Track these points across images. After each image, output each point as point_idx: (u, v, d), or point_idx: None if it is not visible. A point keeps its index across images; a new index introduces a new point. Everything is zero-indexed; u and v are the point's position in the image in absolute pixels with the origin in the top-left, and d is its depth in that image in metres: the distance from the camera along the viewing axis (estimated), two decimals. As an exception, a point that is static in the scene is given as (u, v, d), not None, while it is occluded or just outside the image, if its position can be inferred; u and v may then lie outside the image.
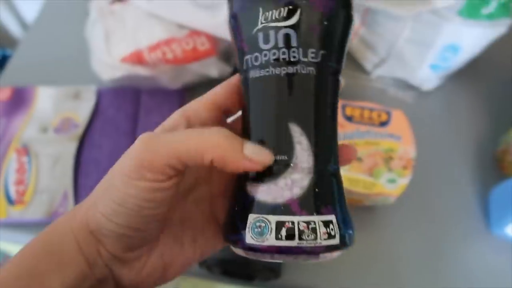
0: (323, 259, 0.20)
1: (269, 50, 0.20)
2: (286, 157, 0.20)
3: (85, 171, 0.46)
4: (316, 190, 0.20)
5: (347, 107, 0.43)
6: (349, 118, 0.43)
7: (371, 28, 0.53)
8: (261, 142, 0.20)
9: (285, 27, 0.19)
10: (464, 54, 0.49)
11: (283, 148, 0.20)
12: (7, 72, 0.56)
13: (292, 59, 0.20)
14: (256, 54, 0.20)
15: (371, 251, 0.43)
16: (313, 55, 0.20)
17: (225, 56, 0.51)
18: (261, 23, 0.20)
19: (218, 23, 0.47)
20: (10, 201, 0.43)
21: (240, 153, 0.19)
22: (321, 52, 0.20)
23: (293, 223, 0.19)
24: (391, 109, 0.44)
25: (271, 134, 0.20)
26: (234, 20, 0.21)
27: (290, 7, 0.19)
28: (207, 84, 0.51)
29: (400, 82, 0.55)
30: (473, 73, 0.55)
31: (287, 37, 0.20)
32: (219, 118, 0.23)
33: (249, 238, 0.19)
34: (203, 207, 0.24)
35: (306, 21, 0.19)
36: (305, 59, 0.20)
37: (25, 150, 0.46)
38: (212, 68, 0.50)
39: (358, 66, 0.57)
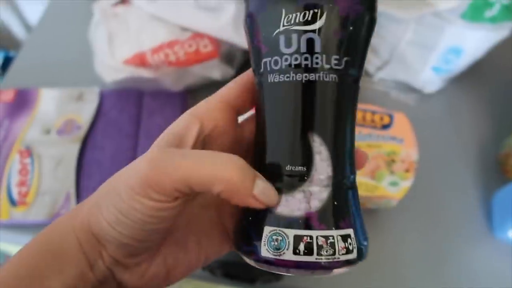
0: (337, 273, 0.19)
1: (290, 54, 0.19)
2: (304, 168, 0.19)
3: (87, 172, 0.46)
4: (335, 202, 0.19)
5: (350, 109, 0.43)
6: (352, 121, 0.43)
7: (374, 31, 0.53)
8: (277, 153, 0.20)
9: (309, 31, 0.18)
10: (466, 57, 0.49)
11: (301, 158, 0.19)
12: (10, 73, 0.57)
13: (314, 66, 0.19)
14: (276, 57, 0.19)
15: (373, 254, 0.42)
16: (336, 62, 0.19)
17: (228, 58, 0.52)
18: (283, 25, 0.19)
19: (221, 25, 0.47)
20: (12, 203, 0.43)
21: (249, 191, 0.18)
22: (345, 59, 0.19)
23: (311, 237, 0.18)
24: (393, 112, 0.44)
25: (289, 143, 0.20)
26: (252, 19, 0.20)
27: (316, 10, 0.18)
28: (210, 86, 0.51)
29: (403, 84, 0.55)
30: (476, 76, 0.55)
31: (310, 42, 0.18)
32: (232, 117, 0.22)
33: (265, 251, 0.19)
34: (210, 211, 0.23)
35: (331, 26, 0.18)
36: (328, 66, 0.19)
37: (28, 151, 0.46)
38: (215, 70, 0.50)
39: (360, 68, 0.57)
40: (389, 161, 0.40)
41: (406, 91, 0.55)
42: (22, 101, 0.51)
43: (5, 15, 0.92)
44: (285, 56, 0.19)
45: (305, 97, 0.19)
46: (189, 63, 0.47)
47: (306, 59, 0.19)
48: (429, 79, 0.53)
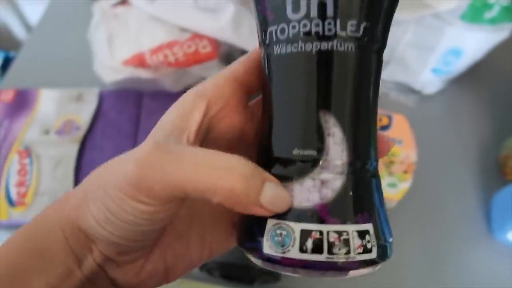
0: (355, 275, 0.17)
1: (298, 21, 0.16)
2: (314, 152, 0.16)
3: (86, 173, 0.45)
4: (351, 193, 0.16)
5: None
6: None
7: (373, 32, 0.53)
8: (284, 134, 0.17)
9: None
10: (466, 58, 0.49)
11: (311, 141, 0.16)
12: (10, 74, 0.57)
13: (327, 33, 0.16)
14: (283, 25, 0.16)
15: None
16: (353, 28, 0.16)
17: (227, 59, 0.52)
18: None
19: (220, 26, 0.47)
20: (11, 203, 0.43)
21: (254, 201, 0.16)
22: (363, 24, 0.16)
23: (321, 233, 0.16)
24: (393, 113, 0.43)
25: (297, 123, 0.17)
26: None
27: None
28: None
29: (402, 86, 0.55)
30: (476, 77, 0.55)
31: (322, 5, 0.16)
32: (241, 96, 0.19)
33: (267, 247, 0.16)
34: (215, 204, 0.20)
35: None
36: (343, 33, 0.16)
37: (27, 152, 0.46)
38: (214, 71, 0.50)
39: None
40: (388, 163, 0.40)
41: (406, 93, 0.55)
42: (22, 102, 0.51)
43: (6, 15, 0.92)
44: (293, 23, 0.16)
45: (317, 70, 0.16)
46: (188, 64, 0.47)
47: (317, 25, 0.16)
48: (429, 81, 0.53)
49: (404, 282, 0.42)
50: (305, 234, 0.16)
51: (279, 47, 0.17)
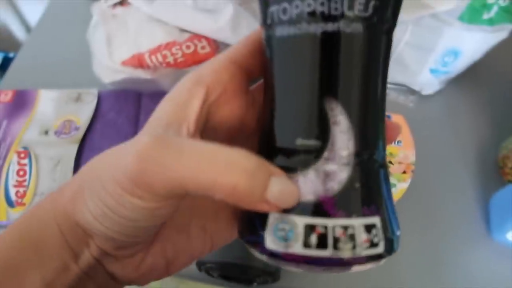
0: (360, 270, 0.16)
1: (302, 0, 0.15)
2: (319, 142, 0.15)
3: (85, 173, 0.46)
4: (358, 185, 0.15)
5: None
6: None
7: (372, 33, 0.53)
8: (287, 122, 0.16)
9: None
10: (465, 59, 0.49)
11: (315, 129, 0.15)
12: (9, 74, 0.57)
13: (332, 13, 0.15)
14: (285, 5, 0.15)
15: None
16: (361, 7, 0.15)
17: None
18: None
19: (219, 27, 0.47)
20: (10, 203, 0.43)
21: (259, 198, 0.15)
22: (372, 2, 0.15)
23: (326, 227, 0.15)
24: (391, 114, 0.44)
25: (300, 111, 0.16)
26: None
27: None
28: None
29: (401, 86, 0.55)
30: (474, 78, 0.55)
31: None
32: (242, 80, 0.18)
33: (270, 242, 0.16)
34: None
35: None
36: (350, 14, 0.15)
37: (26, 152, 0.46)
38: (213, 71, 0.50)
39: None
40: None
41: (404, 93, 0.55)
42: (21, 102, 0.51)
43: (5, 15, 0.92)
44: (296, 2, 0.15)
45: (322, 54, 0.15)
46: (187, 64, 0.47)
47: (322, 4, 0.15)
48: (427, 81, 0.53)
49: (402, 282, 0.42)
50: (309, 228, 0.15)
51: (281, 28, 0.16)
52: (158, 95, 0.51)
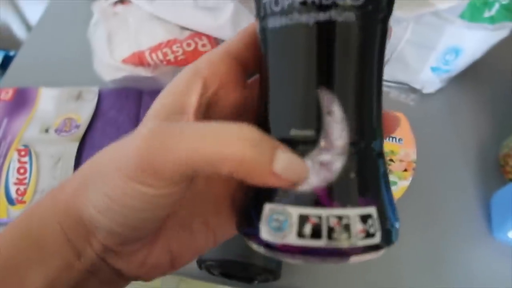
0: (357, 261, 0.16)
1: None
2: (313, 132, 0.15)
3: (85, 171, 0.46)
4: (353, 174, 0.15)
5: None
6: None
7: (373, 31, 0.53)
8: (281, 113, 0.16)
9: None
10: (466, 57, 0.49)
11: (309, 120, 0.15)
12: (10, 72, 0.57)
13: (324, 2, 0.14)
14: None
15: (371, 254, 0.43)
16: None
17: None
18: None
19: (219, 25, 0.47)
20: (10, 201, 0.43)
21: (268, 167, 0.14)
22: None
23: (320, 218, 0.15)
24: (393, 112, 0.43)
25: (294, 101, 0.16)
26: None
27: None
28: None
29: (402, 85, 0.55)
30: (476, 76, 0.55)
31: None
32: (239, 73, 0.18)
33: (265, 233, 0.15)
34: (217, 187, 0.20)
35: None
36: (342, 2, 0.14)
37: (26, 150, 0.46)
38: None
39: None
40: (387, 161, 0.40)
41: (406, 92, 0.55)
42: (21, 100, 0.51)
43: (6, 14, 0.92)
44: None
45: (314, 44, 0.15)
46: (188, 62, 0.47)
47: None
48: (429, 79, 0.53)
49: (403, 280, 0.42)
50: (303, 219, 0.15)
51: (273, 19, 0.16)
52: (158, 93, 0.51)
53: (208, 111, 0.18)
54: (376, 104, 0.17)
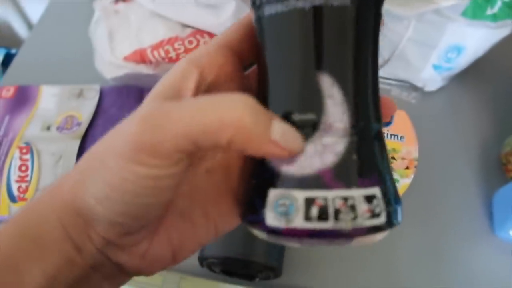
0: (362, 243, 0.16)
1: None
2: (314, 116, 0.15)
3: (87, 169, 0.46)
4: (355, 156, 0.15)
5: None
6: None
7: (375, 29, 0.53)
8: (281, 98, 0.16)
9: None
10: (468, 55, 0.49)
11: (309, 104, 0.16)
12: (11, 70, 0.57)
13: None
14: None
15: (372, 251, 0.43)
16: None
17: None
18: None
19: (221, 22, 0.47)
20: (12, 199, 0.43)
21: (266, 134, 0.15)
22: None
23: (326, 199, 0.15)
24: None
25: (294, 87, 0.16)
26: None
27: None
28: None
29: (403, 83, 0.55)
30: (478, 74, 0.54)
31: None
32: (236, 63, 0.19)
33: (271, 219, 0.15)
34: (218, 177, 0.20)
35: None
36: None
37: (28, 147, 0.46)
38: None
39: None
40: (389, 158, 0.40)
41: (407, 89, 0.55)
42: (23, 98, 0.51)
43: (7, 12, 0.92)
44: None
45: (310, 29, 0.15)
46: (189, 60, 0.47)
47: None
48: (430, 77, 0.53)
49: (404, 278, 0.42)
50: (309, 202, 0.15)
51: (269, 7, 0.16)
52: (160, 91, 0.51)
53: None
54: (375, 87, 0.17)
